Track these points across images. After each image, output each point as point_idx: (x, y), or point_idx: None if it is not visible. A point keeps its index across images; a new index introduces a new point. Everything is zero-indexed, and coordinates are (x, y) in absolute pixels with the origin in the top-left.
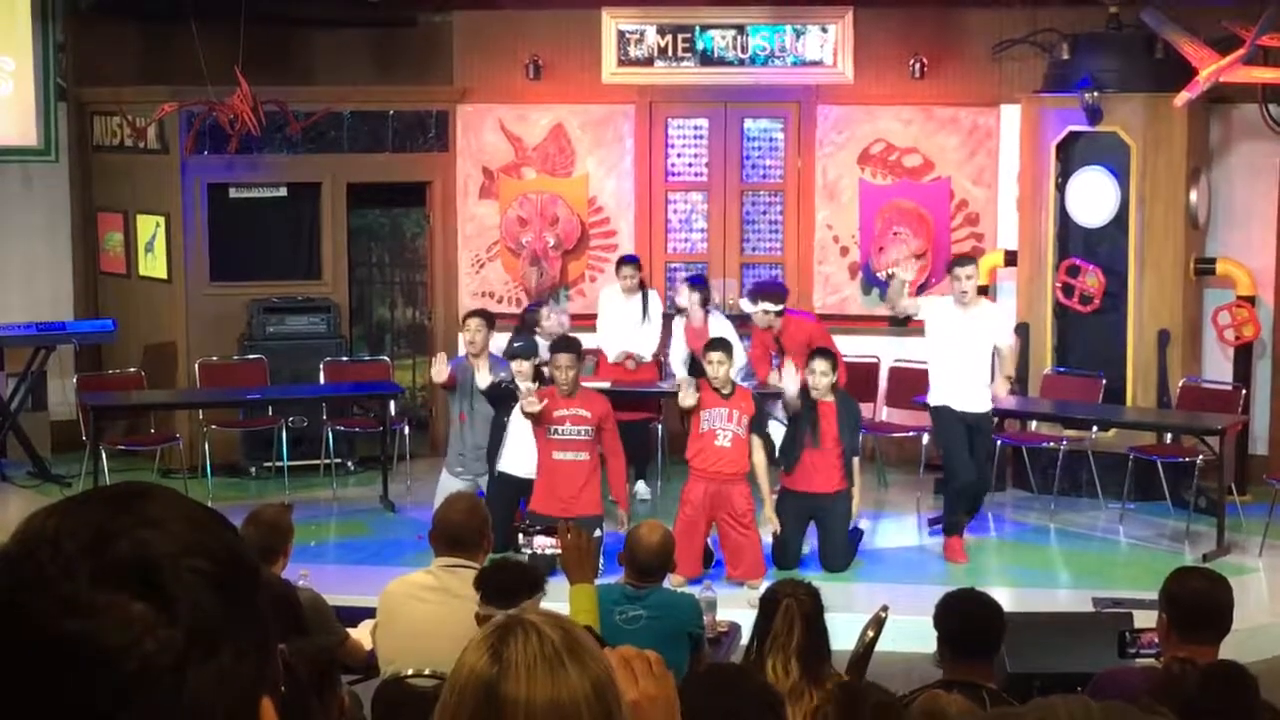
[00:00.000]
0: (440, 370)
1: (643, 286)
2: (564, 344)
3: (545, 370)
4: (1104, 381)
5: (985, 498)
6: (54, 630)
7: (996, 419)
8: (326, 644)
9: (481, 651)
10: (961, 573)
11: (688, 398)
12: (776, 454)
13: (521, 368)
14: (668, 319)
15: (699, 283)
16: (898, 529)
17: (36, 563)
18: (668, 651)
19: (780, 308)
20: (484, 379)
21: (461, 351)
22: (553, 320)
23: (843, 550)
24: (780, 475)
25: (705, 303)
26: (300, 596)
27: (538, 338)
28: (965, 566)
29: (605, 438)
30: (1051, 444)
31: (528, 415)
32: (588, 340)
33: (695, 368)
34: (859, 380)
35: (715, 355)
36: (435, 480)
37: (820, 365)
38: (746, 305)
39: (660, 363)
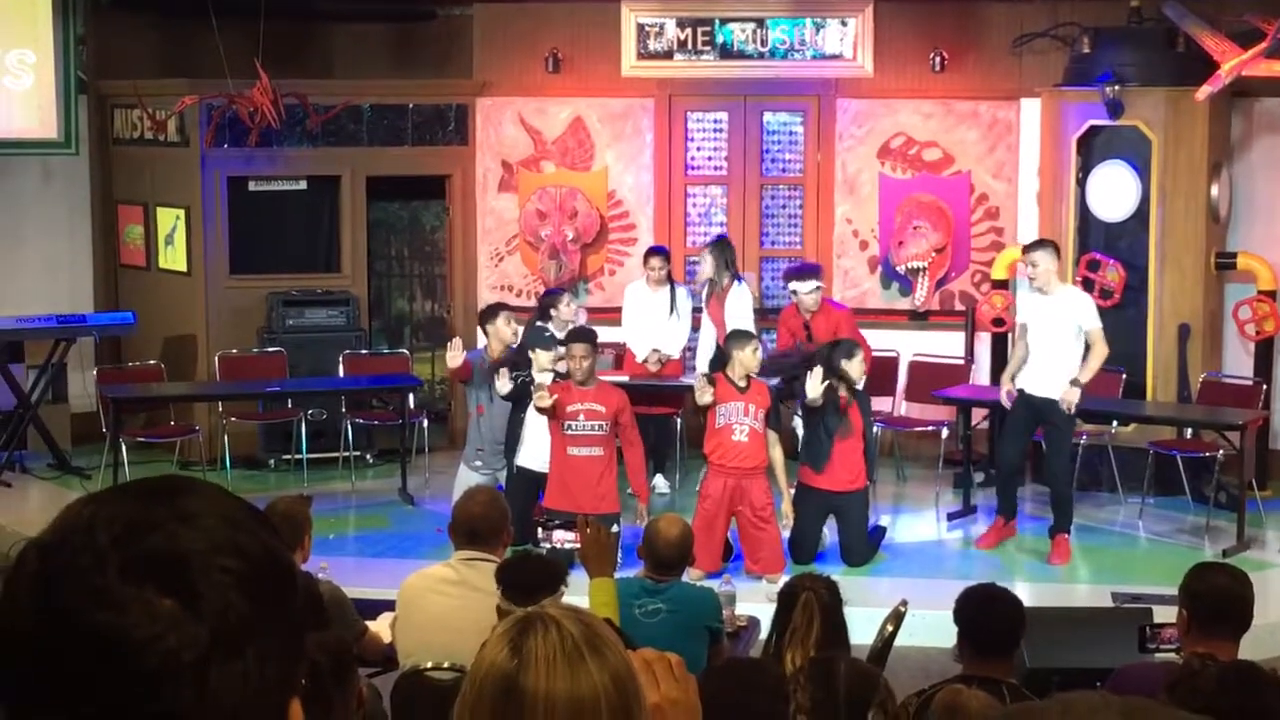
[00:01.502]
0: (455, 356)
1: (670, 280)
2: (579, 334)
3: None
4: (1124, 376)
5: (1066, 502)
6: (81, 620)
7: None
8: (345, 636)
9: (501, 645)
10: (981, 567)
11: (704, 395)
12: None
13: (540, 358)
14: (697, 313)
15: (717, 242)
16: (917, 523)
17: (70, 551)
18: (687, 645)
19: (821, 284)
20: (504, 386)
21: (480, 344)
22: (570, 309)
23: (863, 546)
24: (800, 470)
25: (728, 265)
26: (321, 589)
27: (551, 325)
28: (985, 560)
29: (623, 431)
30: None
31: (541, 411)
32: (613, 335)
33: (717, 362)
34: (878, 374)
35: (752, 344)
36: (454, 473)
37: (859, 354)
38: (798, 287)
39: (685, 358)
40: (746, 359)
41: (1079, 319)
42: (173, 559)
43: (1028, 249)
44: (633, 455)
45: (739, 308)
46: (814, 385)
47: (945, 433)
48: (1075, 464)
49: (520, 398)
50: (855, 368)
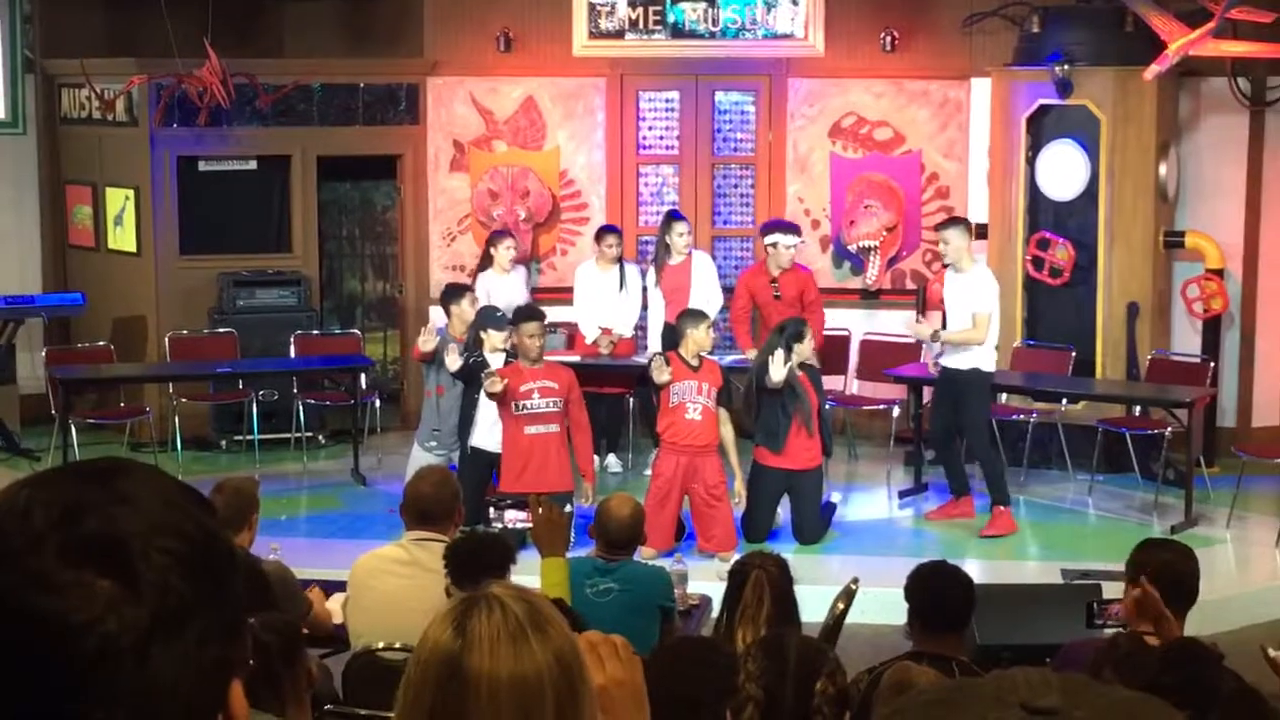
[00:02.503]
0: (428, 341)
1: (620, 259)
2: (530, 313)
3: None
4: (1073, 354)
5: (996, 475)
6: (17, 604)
7: None
8: (292, 618)
9: (445, 625)
10: (933, 545)
11: (662, 374)
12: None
13: (491, 338)
14: (645, 291)
15: (682, 216)
16: (869, 501)
17: (4, 534)
18: (638, 624)
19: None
20: (454, 361)
21: (439, 324)
22: (508, 253)
23: (815, 523)
24: (755, 450)
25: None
26: (266, 568)
27: (491, 270)
28: (937, 537)
29: (572, 410)
30: (1021, 416)
31: (492, 397)
32: (564, 315)
33: (669, 341)
34: (830, 353)
35: (705, 323)
36: (406, 453)
37: (809, 337)
38: (782, 240)
39: (637, 337)
40: (699, 337)
41: (973, 300)
42: (111, 541)
43: (940, 227)
44: (581, 437)
45: (708, 276)
46: (778, 369)
47: (896, 411)
48: (1026, 441)
49: (471, 376)
50: (806, 348)
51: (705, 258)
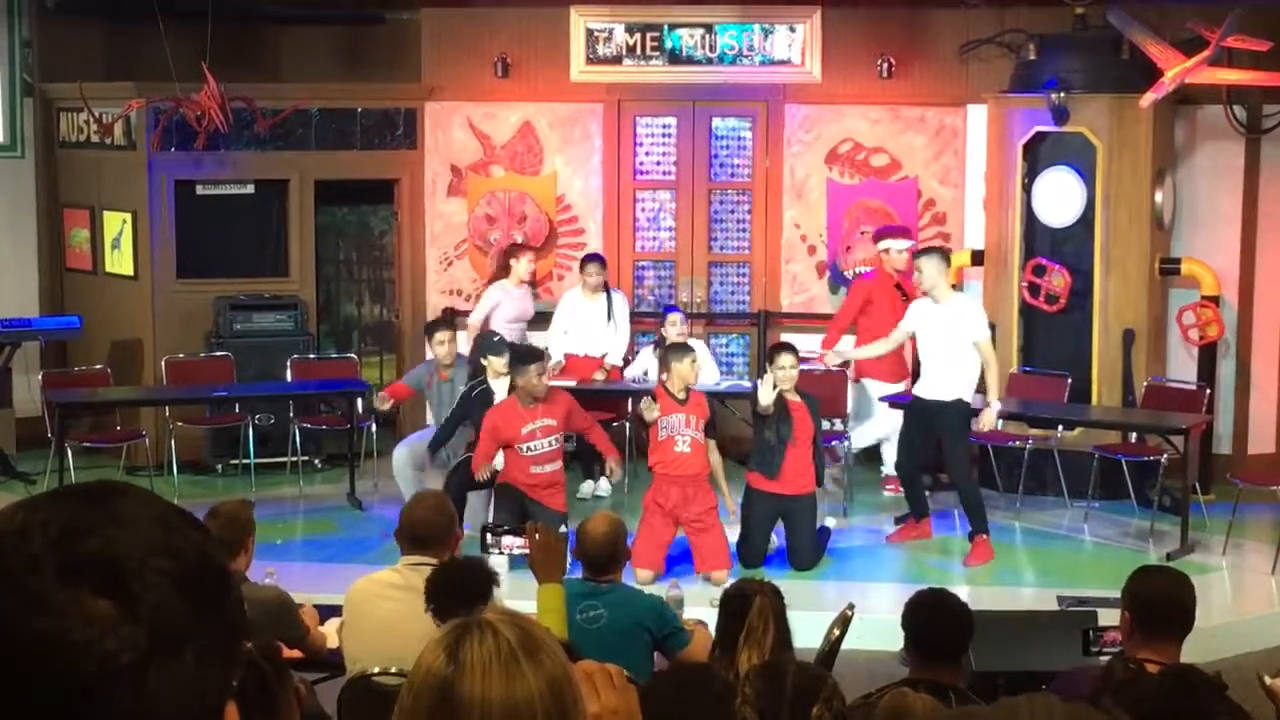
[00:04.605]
0: (384, 401)
1: (606, 288)
2: (533, 354)
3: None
4: (1069, 381)
5: (975, 504)
6: (15, 624)
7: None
8: (272, 640)
9: (438, 651)
10: (928, 572)
11: (651, 411)
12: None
13: (494, 364)
14: (636, 319)
15: (675, 309)
16: (865, 528)
17: (2, 555)
18: (628, 649)
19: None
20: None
21: (429, 356)
22: (528, 268)
23: (811, 549)
24: (749, 476)
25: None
26: (265, 594)
27: (506, 282)
28: (933, 564)
29: (576, 423)
30: (1017, 443)
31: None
32: (538, 339)
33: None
34: (827, 380)
35: (690, 357)
36: (402, 478)
37: (787, 360)
38: (893, 245)
39: (628, 361)
40: (684, 371)
41: (968, 328)
42: (108, 561)
43: (915, 255)
44: (596, 433)
45: (709, 372)
46: (765, 393)
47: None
48: (1022, 467)
49: (471, 406)
50: (783, 373)
51: (701, 346)
